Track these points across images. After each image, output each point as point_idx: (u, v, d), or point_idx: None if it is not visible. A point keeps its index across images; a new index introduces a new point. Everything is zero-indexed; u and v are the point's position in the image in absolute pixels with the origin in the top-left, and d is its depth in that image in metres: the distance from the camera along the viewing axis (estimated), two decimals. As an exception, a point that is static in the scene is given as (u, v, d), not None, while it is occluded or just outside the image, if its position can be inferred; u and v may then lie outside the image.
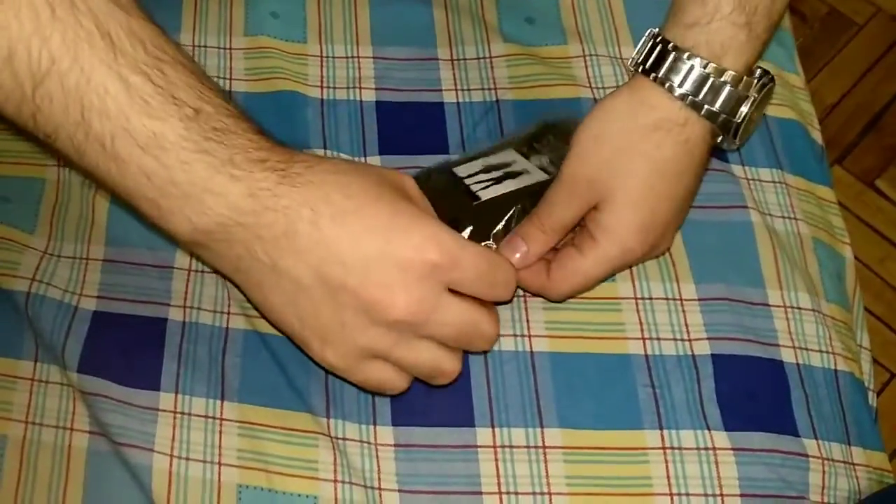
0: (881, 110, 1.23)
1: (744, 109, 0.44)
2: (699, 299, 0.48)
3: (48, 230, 0.52)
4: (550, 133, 0.51)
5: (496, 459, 0.44)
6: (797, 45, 0.59)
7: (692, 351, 0.46)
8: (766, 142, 0.53)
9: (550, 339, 0.47)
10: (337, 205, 0.37)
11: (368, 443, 0.45)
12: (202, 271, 0.49)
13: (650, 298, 0.48)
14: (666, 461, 0.44)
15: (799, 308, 0.48)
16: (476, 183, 0.47)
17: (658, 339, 0.47)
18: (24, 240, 0.51)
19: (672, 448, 0.44)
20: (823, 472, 0.44)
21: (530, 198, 0.46)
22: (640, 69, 0.44)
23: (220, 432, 0.45)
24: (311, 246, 0.37)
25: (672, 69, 0.43)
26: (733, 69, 0.43)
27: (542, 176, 0.48)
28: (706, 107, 0.43)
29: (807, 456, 0.45)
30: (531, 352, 0.46)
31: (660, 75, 0.43)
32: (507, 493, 0.43)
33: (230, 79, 0.55)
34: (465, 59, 0.55)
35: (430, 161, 0.51)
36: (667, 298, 0.48)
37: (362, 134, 0.53)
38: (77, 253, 0.51)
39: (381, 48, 0.56)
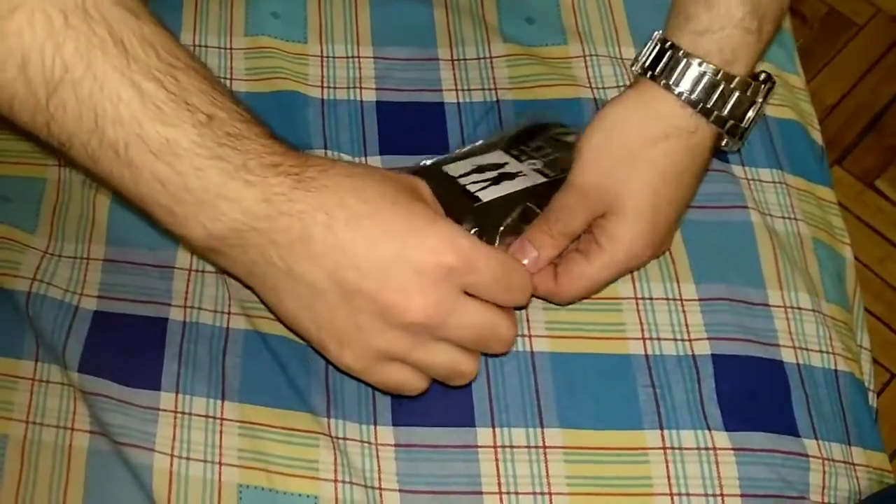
0: (881, 111, 1.24)
1: (750, 114, 0.44)
2: (699, 299, 0.48)
3: (49, 230, 0.52)
4: (538, 135, 0.51)
5: (496, 459, 0.44)
6: (797, 45, 0.59)
7: (692, 351, 0.46)
8: (766, 142, 0.53)
9: (551, 340, 0.47)
10: (352, 209, 0.37)
11: (369, 443, 0.45)
12: (203, 271, 0.49)
13: (650, 298, 0.48)
14: (666, 461, 0.44)
15: (799, 308, 0.48)
16: (472, 183, 0.47)
17: (658, 339, 0.47)
18: (24, 239, 0.51)
19: (672, 448, 0.44)
20: (824, 472, 0.45)
21: (531, 200, 0.46)
22: (647, 74, 0.44)
23: (221, 432, 0.45)
24: (327, 250, 0.37)
25: (682, 76, 0.43)
26: (741, 74, 0.43)
27: (539, 178, 0.48)
28: (715, 112, 0.43)
29: (807, 456, 0.45)
30: (531, 352, 0.46)
31: (670, 82, 0.43)
32: (508, 493, 0.43)
33: (231, 79, 0.55)
34: (465, 60, 0.55)
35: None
36: (667, 298, 0.48)
37: (363, 134, 0.53)
38: (78, 253, 0.51)
39: (382, 48, 0.56)
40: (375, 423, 0.45)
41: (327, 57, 0.56)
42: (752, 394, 0.46)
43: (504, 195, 0.46)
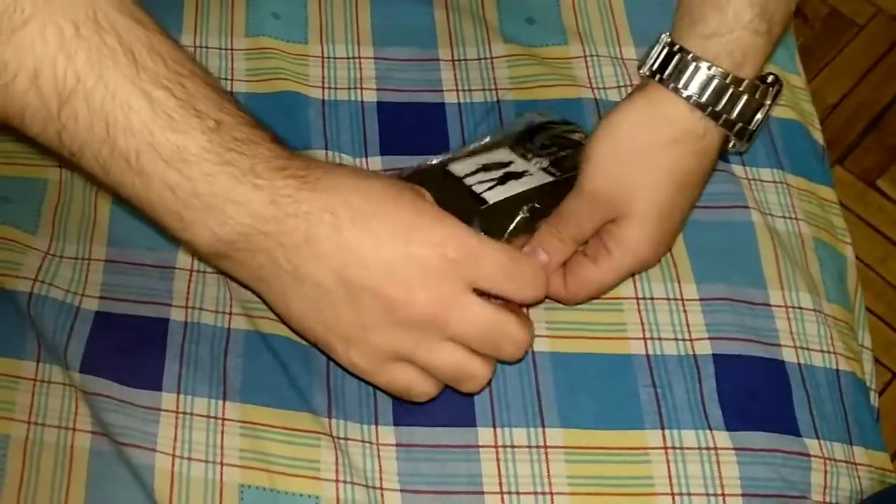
0: (882, 110, 1.23)
1: (759, 117, 0.44)
2: (700, 299, 0.48)
3: (50, 231, 0.52)
4: (542, 133, 0.51)
5: (498, 459, 0.44)
6: (798, 45, 0.59)
7: (693, 351, 0.46)
8: (767, 142, 0.53)
9: (552, 340, 0.47)
10: (357, 208, 0.37)
11: (370, 443, 0.45)
12: (204, 272, 0.50)
13: (651, 298, 0.48)
14: (667, 461, 0.44)
15: (800, 308, 0.48)
16: (478, 183, 0.47)
17: (659, 339, 0.47)
18: (26, 240, 0.51)
19: (674, 448, 0.44)
20: (825, 471, 0.44)
21: (537, 200, 0.46)
22: (655, 77, 0.44)
23: (222, 432, 0.45)
24: (333, 250, 0.37)
25: (691, 79, 0.43)
26: (750, 77, 0.43)
27: (546, 177, 0.48)
28: (724, 116, 0.43)
29: (808, 456, 0.45)
30: (532, 352, 0.46)
31: (679, 85, 0.43)
32: (509, 492, 0.43)
33: (231, 79, 0.55)
34: (465, 60, 0.55)
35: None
36: (668, 298, 0.48)
37: (363, 134, 0.53)
38: (79, 253, 0.51)
39: (383, 49, 0.56)
40: (377, 423, 0.45)
41: (328, 57, 0.56)
42: (754, 393, 0.46)
43: (511, 196, 0.46)
